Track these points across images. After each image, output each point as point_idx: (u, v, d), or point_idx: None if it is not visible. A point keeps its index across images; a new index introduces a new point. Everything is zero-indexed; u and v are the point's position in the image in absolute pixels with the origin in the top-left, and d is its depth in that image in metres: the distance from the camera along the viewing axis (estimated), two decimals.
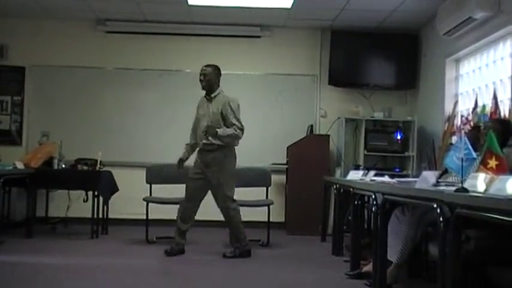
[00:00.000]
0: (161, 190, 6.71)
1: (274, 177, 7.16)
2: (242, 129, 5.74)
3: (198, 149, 5.81)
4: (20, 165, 6.57)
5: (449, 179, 3.99)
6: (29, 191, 6.77)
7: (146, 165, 6.95)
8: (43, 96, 8.21)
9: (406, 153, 7.86)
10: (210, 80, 5.76)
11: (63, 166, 6.97)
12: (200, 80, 5.78)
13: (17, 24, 8.13)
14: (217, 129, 5.59)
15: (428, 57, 7.80)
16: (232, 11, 7.55)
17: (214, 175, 5.68)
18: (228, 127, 5.67)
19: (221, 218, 6.72)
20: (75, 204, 7.38)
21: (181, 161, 5.84)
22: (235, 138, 5.76)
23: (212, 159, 5.67)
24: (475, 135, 4.34)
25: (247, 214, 7.06)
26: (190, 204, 5.84)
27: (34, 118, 8.17)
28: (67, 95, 8.19)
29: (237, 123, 5.69)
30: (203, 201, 7.13)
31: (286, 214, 7.79)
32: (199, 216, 7.38)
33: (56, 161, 6.96)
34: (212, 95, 5.76)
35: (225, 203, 5.74)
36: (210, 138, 5.61)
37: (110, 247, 6.22)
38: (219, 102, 5.73)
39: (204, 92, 5.84)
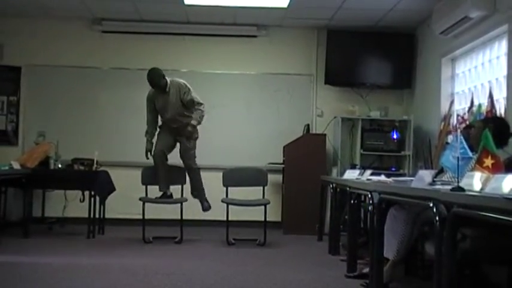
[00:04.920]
0: (157, 190, 6.70)
1: (271, 177, 7.16)
2: (201, 103, 6.61)
3: (162, 127, 6.73)
4: (16, 166, 6.55)
5: (445, 178, 4.00)
6: (26, 191, 6.75)
7: (142, 166, 6.94)
8: (39, 96, 8.20)
9: (403, 153, 7.87)
10: (156, 80, 6.51)
11: (60, 166, 6.96)
12: (149, 82, 6.54)
13: (12, 23, 8.12)
14: (191, 124, 6.53)
15: (424, 56, 7.82)
16: (229, 10, 7.55)
17: (188, 140, 6.63)
18: (188, 107, 6.56)
19: (219, 217, 6.77)
20: (72, 204, 7.39)
21: (150, 151, 6.66)
22: (202, 115, 6.64)
23: (186, 131, 6.57)
24: (466, 133, 4.35)
25: (243, 213, 7.09)
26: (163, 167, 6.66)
27: (30, 118, 8.16)
28: (63, 95, 8.18)
29: (195, 100, 6.54)
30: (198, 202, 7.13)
31: (282, 213, 7.80)
32: (194, 215, 7.41)
33: (52, 161, 6.95)
34: (166, 89, 6.56)
35: (194, 163, 6.71)
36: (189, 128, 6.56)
37: (106, 247, 6.21)
38: (174, 92, 6.55)
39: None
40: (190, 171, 6.76)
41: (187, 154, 6.68)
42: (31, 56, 8.17)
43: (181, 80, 6.66)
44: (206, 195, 6.84)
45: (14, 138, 8.20)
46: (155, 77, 6.50)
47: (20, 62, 8.20)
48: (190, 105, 6.57)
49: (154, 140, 6.74)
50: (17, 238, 6.44)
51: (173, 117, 6.61)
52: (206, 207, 6.79)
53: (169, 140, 6.71)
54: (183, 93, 6.53)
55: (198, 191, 6.83)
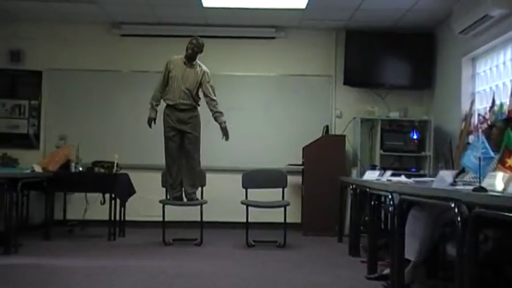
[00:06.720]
0: None
1: (290, 178, 7.15)
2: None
3: (167, 105, 6.64)
4: (38, 169, 6.62)
5: (467, 179, 3.96)
6: (47, 194, 6.83)
7: (162, 168, 6.97)
8: (60, 99, 8.28)
9: (423, 153, 7.81)
10: (199, 51, 6.66)
11: (81, 169, 7.02)
12: (191, 48, 6.63)
13: (33, 28, 8.22)
14: (224, 123, 6.61)
15: (444, 56, 7.75)
16: (247, 12, 7.55)
17: (192, 129, 6.59)
18: (204, 93, 6.65)
19: (238, 219, 6.76)
20: (93, 206, 7.43)
21: (154, 120, 6.69)
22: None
23: (190, 117, 6.59)
24: (488, 133, 4.30)
25: (263, 215, 7.09)
26: (175, 167, 6.63)
27: (51, 122, 8.25)
28: (84, 98, 8.25)
29: (215, 99, 6.65)
30: (220, 203, 7.20)
31: (302, 215, 7.78)
32: (214, 217, 7.42)
33: (73, 164, 7.01)
34: (194, 63, 6.67)
35: (199, 154, 6.64)
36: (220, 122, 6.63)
37: (127, 249, 6.25)
38: (198, 70, 6.67)
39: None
40: (195, 162, 6.65)
41: (195, 146, 6.61)
42: (51, 60, 8.26)
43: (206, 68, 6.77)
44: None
45: (36, 141, 8.29)
46: (201, 47, 6.64)
47: (40, 66, 8.29)
48: (209, 91, 6.60)
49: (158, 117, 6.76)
50: (39, 240, 6.51)
51: (183, 92, 6.54)
52: (191, 197, 6.67)
53: (178, 138, 6.62)
54: (207, 79, 6.63)
55: (195, 184, 6.69)
